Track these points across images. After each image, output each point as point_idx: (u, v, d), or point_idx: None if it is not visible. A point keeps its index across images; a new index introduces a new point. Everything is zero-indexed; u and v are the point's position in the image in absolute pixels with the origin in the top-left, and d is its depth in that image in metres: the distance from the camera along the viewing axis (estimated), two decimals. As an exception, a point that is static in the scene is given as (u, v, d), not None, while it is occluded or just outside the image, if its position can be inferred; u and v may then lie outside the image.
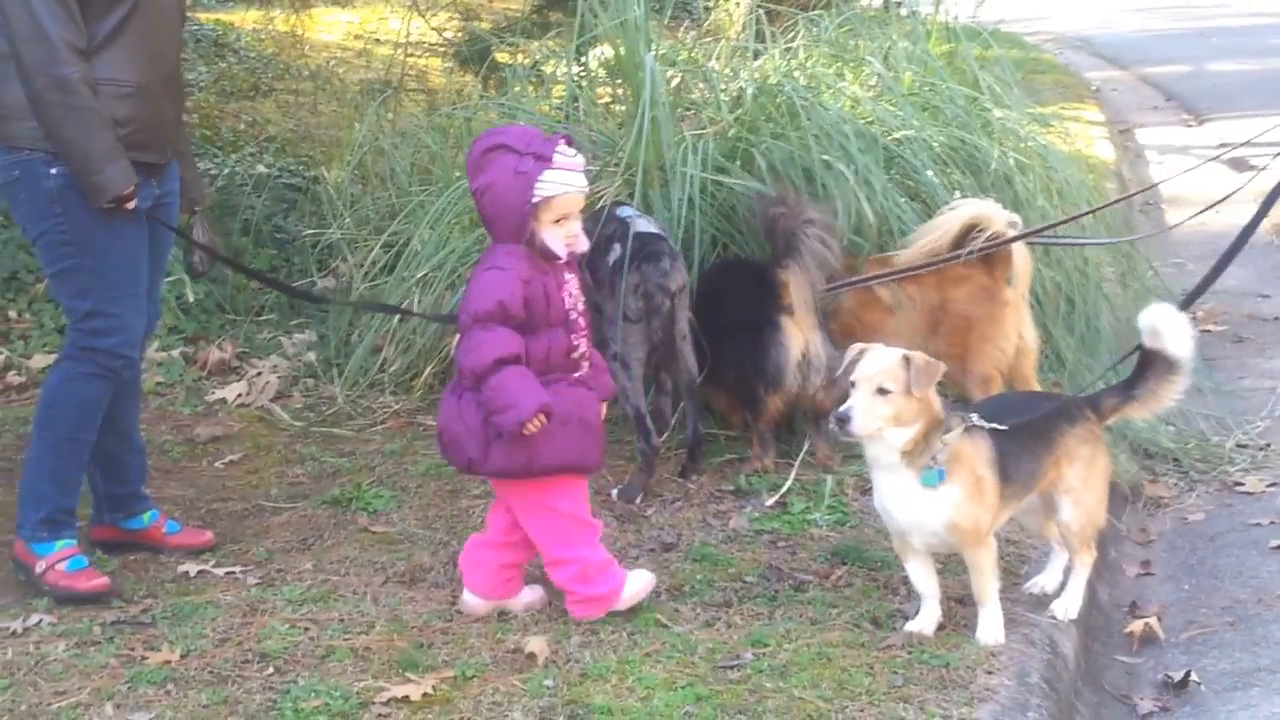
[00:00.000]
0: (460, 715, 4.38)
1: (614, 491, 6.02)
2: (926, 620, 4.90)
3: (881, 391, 4.57)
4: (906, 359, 4.61)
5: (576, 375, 4.95)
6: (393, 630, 4.93)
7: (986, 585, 4.83)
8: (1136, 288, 7.88)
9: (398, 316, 7.12)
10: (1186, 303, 5.79)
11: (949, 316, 6.29)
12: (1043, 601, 5.16)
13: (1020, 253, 6.31)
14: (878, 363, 4.62)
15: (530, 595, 5.13)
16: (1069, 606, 5.10)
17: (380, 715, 4.39)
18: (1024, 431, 4.85)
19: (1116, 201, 8.27)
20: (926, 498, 4.68)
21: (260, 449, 6.70)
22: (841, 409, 4.59)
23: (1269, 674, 5.03)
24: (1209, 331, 8.59)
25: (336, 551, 5.58)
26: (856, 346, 4.71)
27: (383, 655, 4.75)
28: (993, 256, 6.27)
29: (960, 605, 5.03)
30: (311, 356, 7.57)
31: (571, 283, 4.94)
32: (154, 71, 5.19)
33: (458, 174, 7.51)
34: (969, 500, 4.70)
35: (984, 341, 6.21)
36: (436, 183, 7.64)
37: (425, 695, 4.48)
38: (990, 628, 4.84)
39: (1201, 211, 6.51)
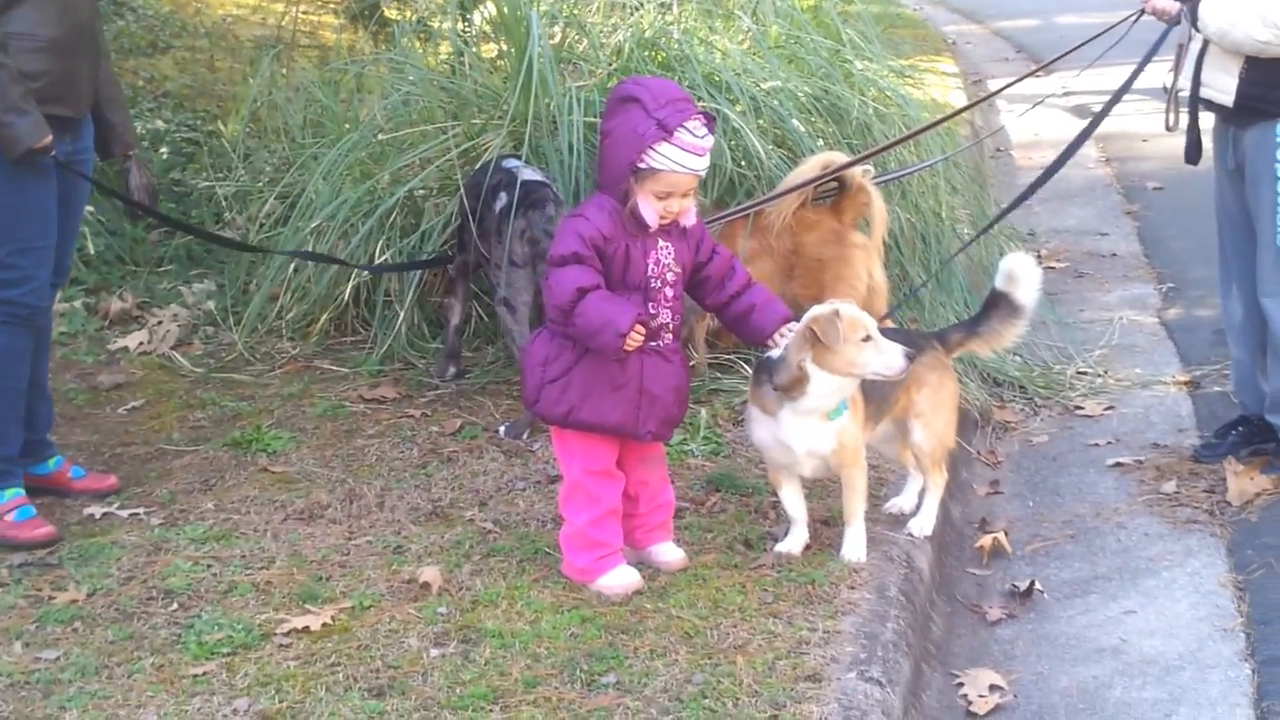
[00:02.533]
0: (358, 643, 4.39)
1: (501, 428, 6.03)
2: (795, 541, 4.98)
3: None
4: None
5: (654, 344, 4.61)
6: (292, 565, 4.92)
7: (857, 504, 4.93)
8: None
9: (293, 265, 7.06)
10: (993, 222, 5.94)
11: (803, 260, 6.34)
12: (900, 521, 5.26)
13: (877, 201, 6.37)
14: (862, 311, 4.71)
15: (670, 555, 4.91)
16: (924, 525, 5.21)
17: (281, 646, 4.39)
18: None
19: (970, 146, 8.36)
20: (824, 428, 4.75)
21: (162, 395, 6.62)
22: (901, 350, 4.61)
23: (1106, 581, 5.18)
24: (1052, 268, 8.72)
25: (237, 491, 5.55)
26: (829, 308, 4.66)
27: (283, 589, 4.75)
28: (841, 202, 6.35)
29: (825, 526, 5.11)
30: (211, 305, 7.48)
31: (663, 251, 4.58)
32: (66, 26, 5.06)
33: (348, 126, 7.46)
34: (852, 423, 4.81)
35: (838, 281, 6.26)
36: (329, 135, 7.55)
37: (324, 625, 4.49)
38: (854, 546, 4.93)
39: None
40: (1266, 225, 5.44)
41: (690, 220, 4.63)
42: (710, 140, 4.49)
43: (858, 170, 6.30)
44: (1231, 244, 5.75)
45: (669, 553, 4.89)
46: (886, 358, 4.60)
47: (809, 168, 6.26)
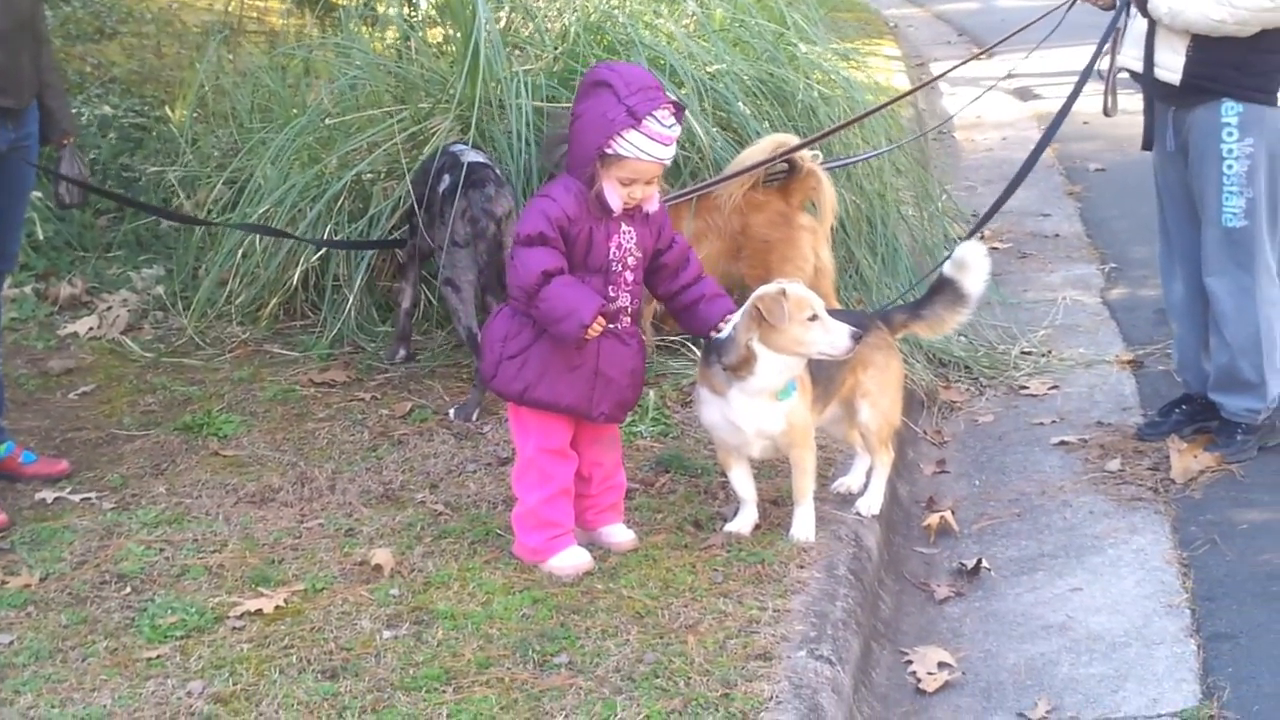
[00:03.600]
0: (311, 626, 4.37)
1: (451, 411, 6.00)
2: (745, 521, 4.97)
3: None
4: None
5: (612, 327, 4.59)
6: (245, 548, 4.89)
7: (807, 484, 4.92)
8: (931, 210, 8.00)
9: (240, 251, 6.99)
10: (974, 230, 5.93)
11: (750, 241, 6.32)
12: (848, 500, 5.26)
13: (826, 185, 6.36)
14: (809, 290, 4.68)
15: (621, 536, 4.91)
16: (872, 503, 5.21)
17: (235, 628, 4.36)
18: None
19: (918, 137, 8.37)
20: (773, 408, 4.74)
21: (112, 380, 6.55)
22: (848, 329, 4.59)
23: (1051, 559, 5.20)
24: (996, 249, 8.74)
25: (189, 475, 5.50)
26: (775, 287, 4.64)
27: (236, 572, 4.71)
28: (790, 184, 6.34)
29: (774, 507, 5.11)
30: (160, 290, 7.40)
31: (626, 235, 4.58)
32: (9, 19, 5.02)
33: (296, 111, 7.39)
34: (801, 404, 4.80)
35: (784, 262, 6.24)
36: (276, 120, 7.48)
37: (278, 608, 4.46)
38: (804, 525, 4.93)
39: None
40: (1212, 205, 5.46)
41: (654, 206, 4.63)
42: (678, 130, 4.50)
43: (807, 154, 6.30)
44: (1174, 224, 5.77)
45: (619, 534, 4.88)
46: (833, 337, 4.60)
47: (760, 149, 6.25)
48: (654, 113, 4.40)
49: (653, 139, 4.42)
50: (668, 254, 4.73)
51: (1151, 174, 5.88)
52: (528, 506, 4.71)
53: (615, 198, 4.48)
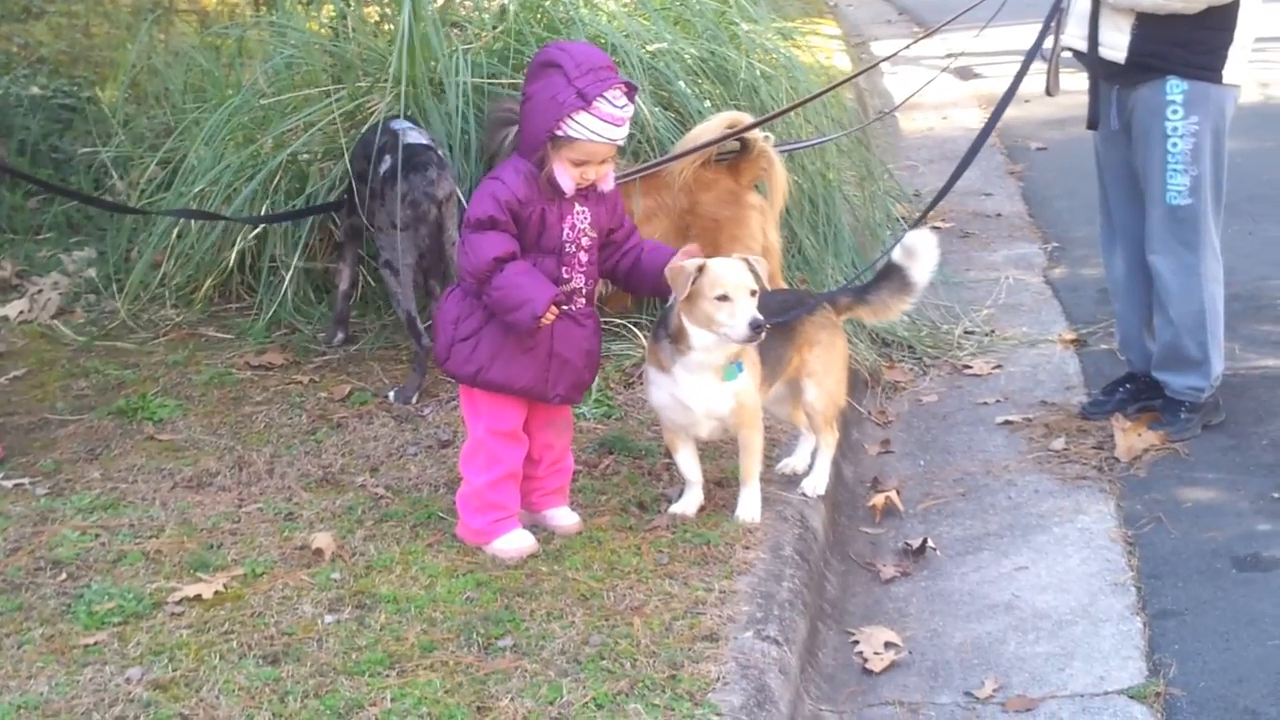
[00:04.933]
0: (251, 611, 4.33)
1: (390, 394, 5.97)
2: (690, 503, 4.97)
3: (752, 293, 4.58)
4: (747, 261, 4.66)
5: (566, 308, 4.57)
6: (182, 533, 4.84)
7: (754, 465, 4.93)
8: (873, 189, 8.02)
9: (175, 232, 6.92)
10: (923, 215, 5.95)
11: (698, 219, 6.29)
12: (793, 481, 5.28)
13: (778, 166, 6.35)
14: (738, 269, 4.61)
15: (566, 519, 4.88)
16: (817, 484, 5.23)
17: (173, 614, 4.32)
18: (770, 318, 4.89)
19: (870, 123, 8.37)
20: (722, 388, 4.74)
21: (44, 364, 6.47)
22: (750, 316, 4.51)
23: (997, 538, 5.23)
24: (938, 228, 8.78)
25: (124, 460, 5.44)
26: (693, 262, 4.60)
27: (173, 557, 4.67)
28: (740, 163, 6.32)
29: (719, 488, 5.11)
30: (92, 273, 7.32)
31: (580, 216, 4.56)
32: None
33: (230, 91, 7.32)
34: (750, 383, 4.80)
35: (733, 241, 6.22)
36: (210, 100, 7.41)
37: (217, 593, 4.43)
38: (749, 506, 4.93)
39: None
40: (1157, 183, 5.49)
41: (609, 185, 4.61)
42: (630, 110, 4.47)
43: (759, 133, 6.28)
44: (1116, 203, 5.81)
45: (564, 517, 4.87)
46: (736, 321, 4.53)
47: (712, 127, 6.21)
48: (605, 94, 4.38)
49: (604, 120, 4.39)
50: (618, 232, 4.73)
51: (1093, 153, 5.91)
52: (474, 488, 4.69)
53: (567, 179, 4.46)
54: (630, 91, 4.47)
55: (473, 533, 4.72)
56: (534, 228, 4.50)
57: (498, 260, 4.42)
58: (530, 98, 4.47)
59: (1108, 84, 5.61)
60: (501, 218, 4.44)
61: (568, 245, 4.56)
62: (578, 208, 4.56)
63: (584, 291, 4.66)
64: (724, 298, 4.54)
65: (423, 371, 5.99)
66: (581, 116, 4.37)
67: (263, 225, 6.76)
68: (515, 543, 4.69)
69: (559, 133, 4.39)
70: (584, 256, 4.62)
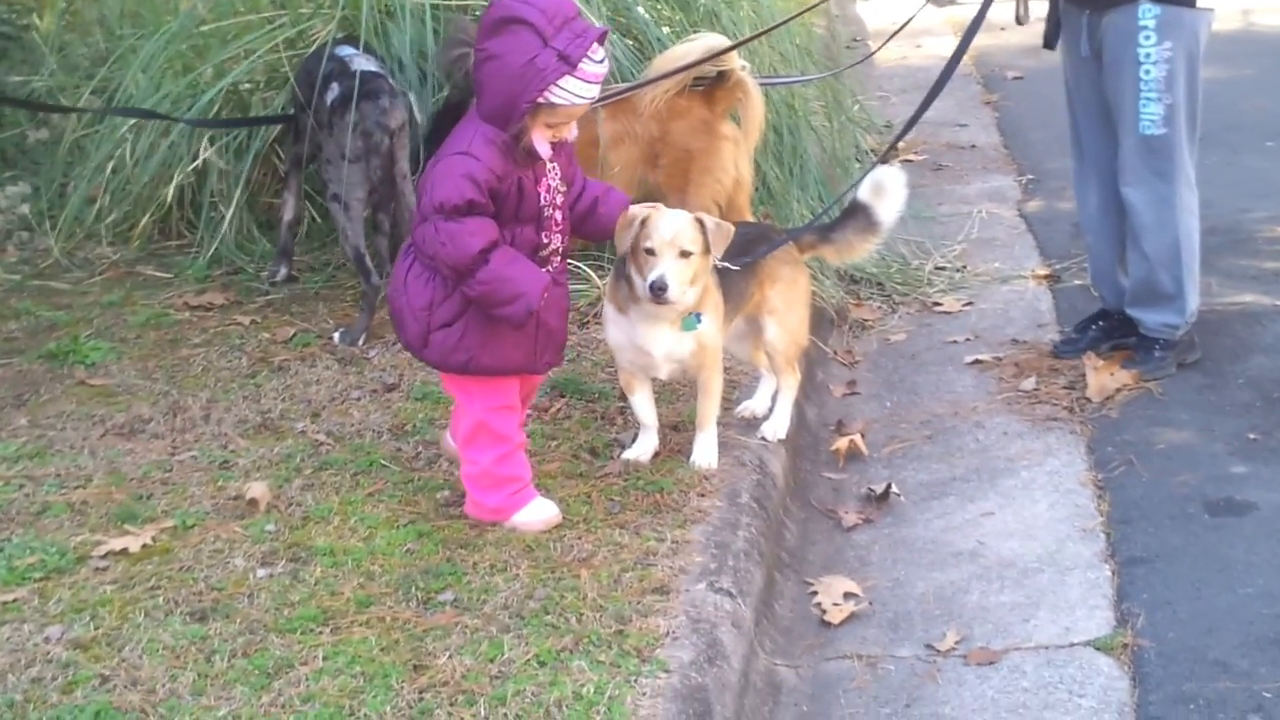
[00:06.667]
0: (180, 565, 4.23)
1: (335, 335, 5.86)
2: (644, 448, 4.89)
3: (684, 255, 4.45)
4: (700, 221, 4.50)
5: (546, 270, 4.31)
6: (111, 483, 4.74)
7: (711, 408, 4.84)
8: (842, 120, 7.90)
9: (110, 166, 6.77)
10: (890, 146, 5.85)
11: (669, 149, 6.14)
12: (753, 425, 5.19)
13: (755, 96, 6.19)
14: (676, 226, 4.47)
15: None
16: (777, 428, 5.14)
17: (98, 569, 4.22)
18: (732, 255, 4.80)
19: (853, 65, 8.22)
20: (682, 333, 4.64)
21: (-28, 305, 6.35)
22: (654, 276, 4.38)
23: (963, 483, 5.16)
24: (910, 161, 8.71)
25: (53, 406, 5.33)
26: (637, 210, 4.49)
27: (100, 508, 4.56)
28: (715, 92, 6.16)
29: (674, 432, 5.03)
30: (25, 209, 7.18)
31: (552, 174, 4.30)
32: None
33: (169, 17, 7.15)
34: (711, 325, 4.70)
35: (704, 174, 6.11)
36: (147, 26, 7.24)
37: (144, 547, 4.32)
38: (705, 451, 4.85)
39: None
40: (1129, 113, 5.40)
41: (574, 134, 4.33)
42: (606, 62, 4.17)
43: (739, 62, 6.12)
44: (1087, 134, 5.71)
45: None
46: (645, 279, 4.43)
47: (692, 50, 6.03)
48: (587, 54, 4.07)
49: (588, 81, 4.09)
50: (569, 170, 4.49)
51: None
52: (481, 468, 4.46)
53: (544, 145, 4.18)
54: (603, 37, 4.16)
55: (489, 511, 4.49)
56: (512, 200, 4.22)
57: (483, 253, 4.13)
58: (496, 57, 4.09)
59: (1077, 9, 5.49)
60: (481, 199, 4.14)
61: (546, 209, 4.31)
62: (549, 166, 4.31)
63: (560, 250, 4.44)
64: (650, 252, 4.43)
65: (371, 312, 5.87)
66: (567, 82, 4.06)
67: (201, 160, 6.61)
68: (538, 513, 4.48)
69: (542, 100, 4.09)
70: (559, 215, 4.37)
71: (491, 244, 4.14)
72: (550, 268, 4.37)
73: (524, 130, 4.11)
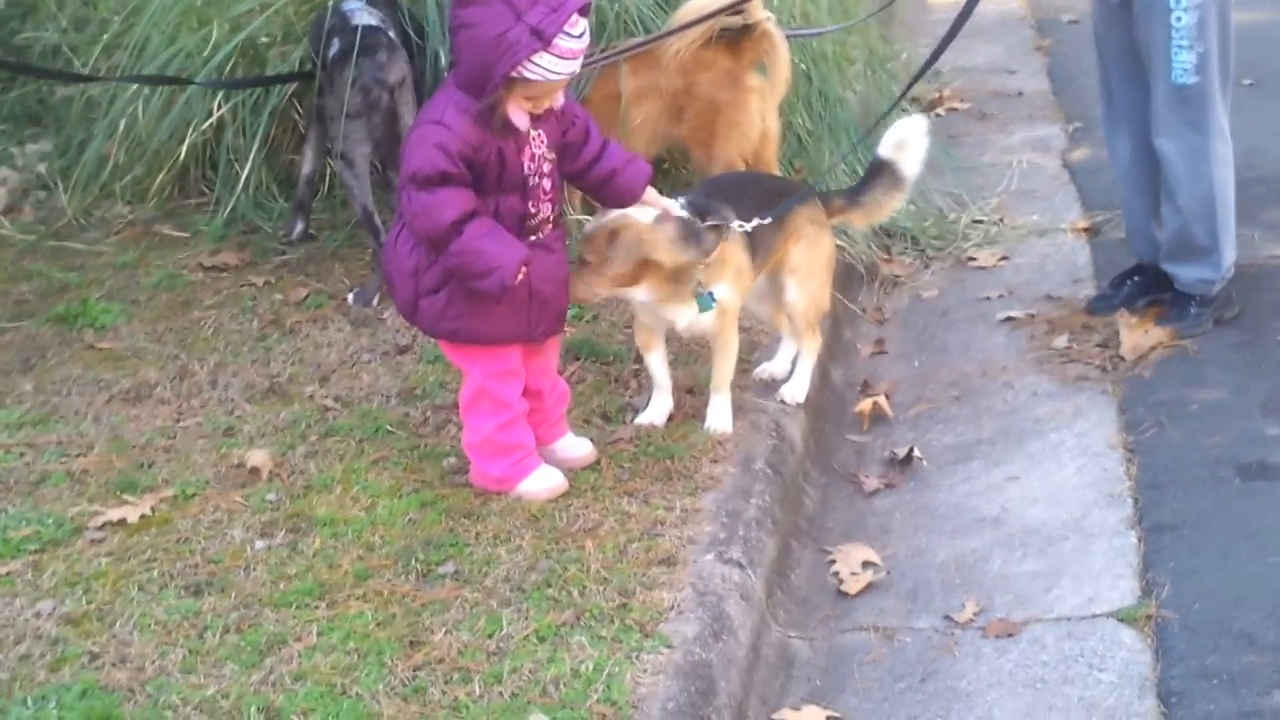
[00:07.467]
0: (177, 536, 4.21)
1: (349, 296, 5.80)
2: (658, 411, 4.82)
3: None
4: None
5: (536, 238, 4.26)
6: (112, 450, 4.71)
7: (727, 370, 4.78)
8: (882, 72, 7.75)
9: (123, 123, 6.72)
10: (904, 91, 5.73)
11: (694, 101, 6.02)
12: (771, 387, 5.10)
13: (782, 47, 6.07)
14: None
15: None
16: (796, 391, 5.05)
17: (94, 541, 4.20)
18: (762, 207, 4.73)
19: (876, 13, 8.06)
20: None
21: (-14, 266, 6.34)
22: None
23: (989, 445, 5.06)
24: (955, 109, 8.56)
25: (59, 371, 5.30)
26: (612, 216, 4.45)
27: (100, 478, 4.54)
28: (741, 42, 6.04)
29: (690, 395, 4.95)
30: (43, 168, 7.15)
31: (536, 143, 4.18)
32: None
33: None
34: (731, 289, 4.64)
35: (730, 127, 5.99)
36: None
37: (143, 517, 4.30)
38: (720, 415, 4.78)
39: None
40: (1160, 61, 5.25)
41: (561, 103, 4.24)
42: (587, 36, 4.07)
43: (764, 12, 5.99)
44: (1118, 84, 5.56)
45: (576, 447, 4.62)
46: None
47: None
48: (564, 29, 3.96)
49: (565, 58, 4.01)
50: (570, 131, 4.37)
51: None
52: (483, 435, 4.39)
53: (521, 117, 4.09)
54: (585, 10, 4.06)
55: (494, 480, 4.42)
56: (493, 169, 4.12)
57: (455, 224, 4.04)
58: (470, 26, 3.98)
59: (1108, -46, 5.36)
60: (454, 170, 4.04)
61: (531, 178, 4.20)
62: (533, 133, 4.19)
63: (551, 219, 4.34)
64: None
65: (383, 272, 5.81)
66: (541, 58, 3.97)
67: (216, 116, 6.55)
68: (543, 482, 4.42)
69: (514, 75, 3.99)
70: (547, 184, 4.26)
71: (465, 215, 4.04)
72: (540, 236, 4.28)
73: (499, 101, 4.01)
